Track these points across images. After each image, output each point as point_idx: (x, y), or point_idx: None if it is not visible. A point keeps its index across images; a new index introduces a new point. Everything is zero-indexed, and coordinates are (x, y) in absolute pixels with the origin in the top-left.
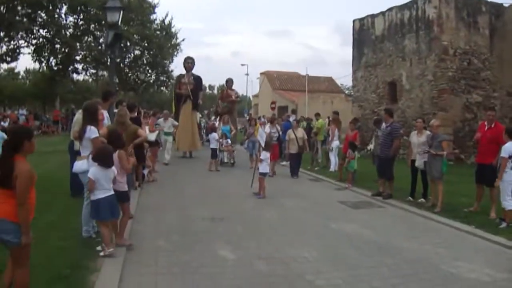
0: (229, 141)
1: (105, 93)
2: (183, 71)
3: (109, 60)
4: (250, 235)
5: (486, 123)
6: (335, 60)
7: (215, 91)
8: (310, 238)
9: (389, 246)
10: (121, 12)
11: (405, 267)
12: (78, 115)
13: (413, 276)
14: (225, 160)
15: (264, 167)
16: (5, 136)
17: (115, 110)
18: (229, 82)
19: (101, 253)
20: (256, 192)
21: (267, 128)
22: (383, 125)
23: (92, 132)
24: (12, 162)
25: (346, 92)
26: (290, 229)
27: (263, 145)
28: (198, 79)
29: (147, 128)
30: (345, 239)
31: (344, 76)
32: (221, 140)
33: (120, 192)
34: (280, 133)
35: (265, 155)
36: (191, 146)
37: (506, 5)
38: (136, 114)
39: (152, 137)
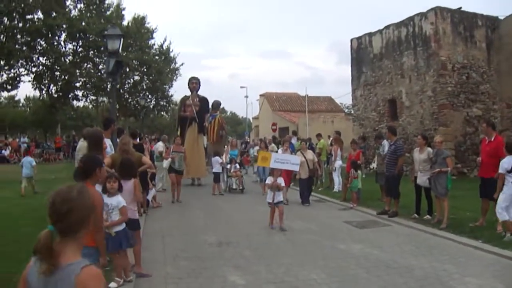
0: (238, 166)
1: (105, 121)
2: (188, 93)
3: (109, 86)
4: (259, 259)
5: (486, 137)
6: (333, 79)
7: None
8: (318, 260)
9: (397, 264)
10: (122, 40)
11: (414, 286)
12: (82, 143)
13: None
14: (234, 187)
15: (280, 195)
16: (33, 162)
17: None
18: (219, 105)
19: (111, 285)
20: (274, 226)
21: (280, 151)
22: (385, 142)
23: None
24: None
25: (346, 111)
26: (298, 252)
27: (296, 169)
28: (204, 100)
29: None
30: (353, 259)
31: (343, 95)
32: (229, 165)
33: (132, 220)
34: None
35: (280, 180)
36: (196, 173)
37: (501, 17)
38: (138, 140)
39: (165, 164)
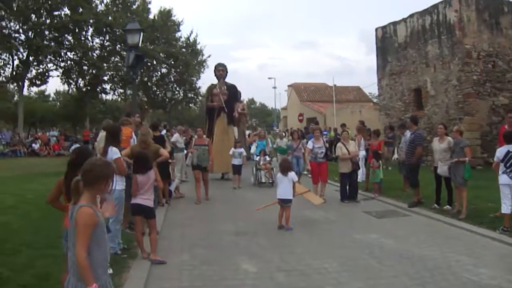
0: (268, 158)
1: (128, 114)
2: (215, 81)
3: (132, 79)
4: (274, 248)
5: (506, 126)
6: (362, 69)
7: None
8: (332, 249)
9: (410, 254)
10: (141, 34)
11: (426, 275)
12: (102, 133)
13: (432, 284)
14: (263, 180)
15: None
16: None
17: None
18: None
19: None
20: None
21: (310, 143)
22: (408, 132)
23: (113, 153)
24: None
25: (375, 100)
26: (313, 241)
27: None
28: (232, 88)
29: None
30: (367, 249)
31: (371, 84)
32: (258, 157)
33: (148, 208)
34: (327, 147)
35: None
36: (228, 167)
37: None
38: (160, 133)
39: (188, 160)
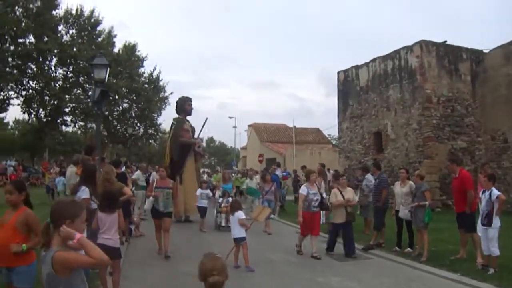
0: (230, 200)
1: (88, 148)
2: (176, 115)
3: (97, 115)
4: None
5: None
6: (322, 111)
7: (204, 144)
8: None
9: None
10: (108, 69)
11: None
12: (71, 169)
13: None
14: (223, 224)
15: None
16: (65, 180)
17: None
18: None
19: None
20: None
21: (304, 188)
22: (369, 176)
23: (83, 192)
24: None
25: (334, 142)
26: (276, 284)
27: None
28: (193, 129)
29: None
30: None
31: (331, 126)
32: (221, 199)
33: (113, 248)
34: (324, 194)
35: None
36: (192, 209)
37: (486, 51)
38: (124, 168)
39: (147, 205)
